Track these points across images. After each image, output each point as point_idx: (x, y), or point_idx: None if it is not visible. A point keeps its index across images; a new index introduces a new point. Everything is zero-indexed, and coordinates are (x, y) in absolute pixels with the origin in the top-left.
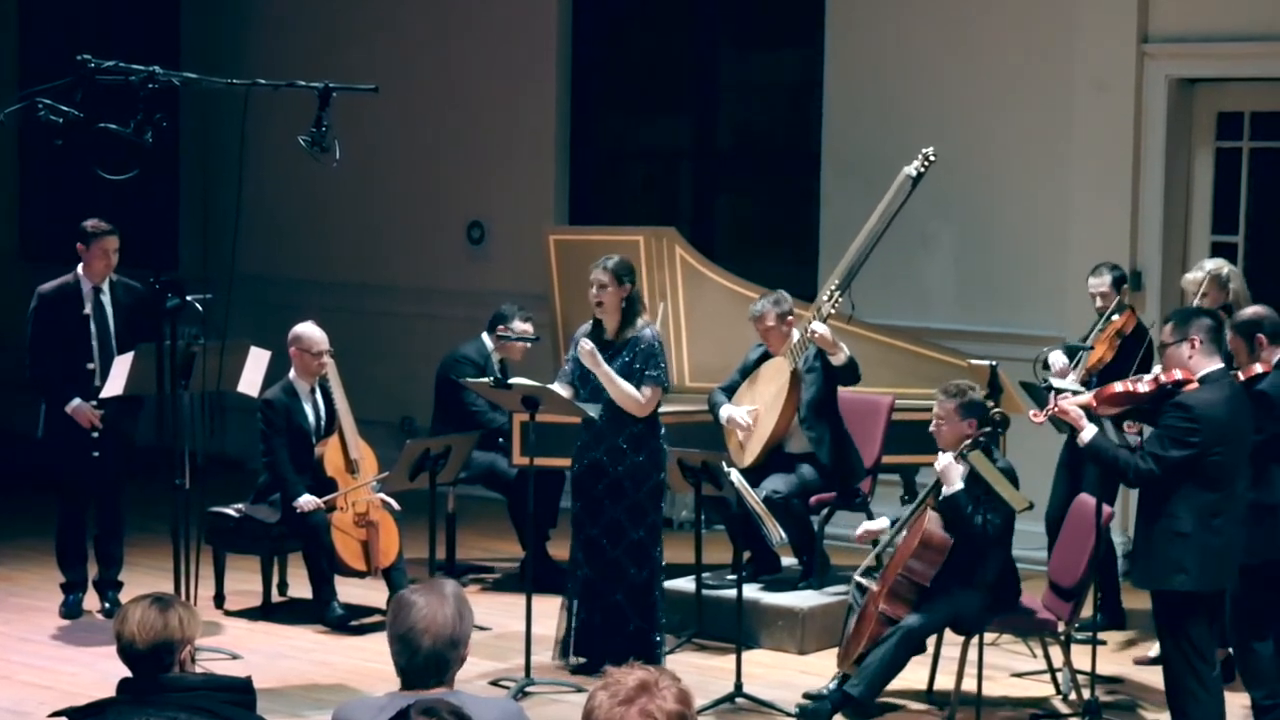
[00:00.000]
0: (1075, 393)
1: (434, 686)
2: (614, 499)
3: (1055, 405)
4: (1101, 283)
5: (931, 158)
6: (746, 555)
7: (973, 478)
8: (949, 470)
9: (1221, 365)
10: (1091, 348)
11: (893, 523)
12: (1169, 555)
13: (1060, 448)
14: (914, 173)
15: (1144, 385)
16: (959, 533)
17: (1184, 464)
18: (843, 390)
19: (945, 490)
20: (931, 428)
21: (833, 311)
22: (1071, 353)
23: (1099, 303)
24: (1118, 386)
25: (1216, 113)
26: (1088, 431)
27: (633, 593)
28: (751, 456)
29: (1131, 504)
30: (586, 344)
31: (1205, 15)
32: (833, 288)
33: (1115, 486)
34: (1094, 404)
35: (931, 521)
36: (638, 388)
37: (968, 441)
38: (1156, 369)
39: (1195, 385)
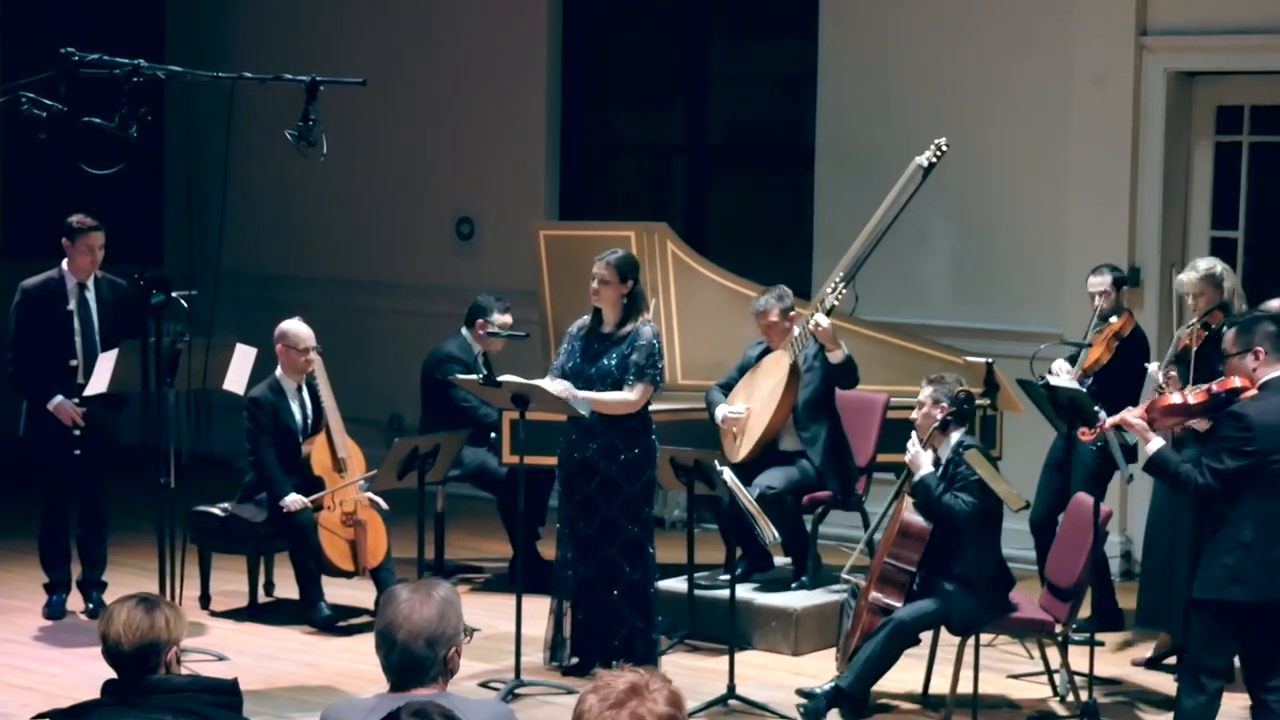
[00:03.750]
0: (1073, 391)
1: (414, 688)
2: (607, 497)
3: (1113, 420)
4: (1103, 282)
5: (944, 148)
6: (739, 553)
7: (951, 465)
8: (918, 457)
9: None
10: (1090, 344)
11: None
12: (1227, 564)
13: (1048, 448)
14: (925, 162)
15: (1195, 396)
16: (933, 516)
17: (1242, 474)
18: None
19: (915, 477)
20: (914, 415)
21: (836, 303)
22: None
23: (1098, 302)
24: (1174, 398)
25: (1216, 107)
26: (1155, 443)
27: (629, 591)
28: (746, 451)
29: (1129, 504)
30: (560, 384)
31: (1204, 8)
32: (837, 279)
33: (1105, 487)
34: (1146, 416)
35: (909, 509)
36: (632, 380)
37: (936, 425)
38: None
39: (1253, 392)
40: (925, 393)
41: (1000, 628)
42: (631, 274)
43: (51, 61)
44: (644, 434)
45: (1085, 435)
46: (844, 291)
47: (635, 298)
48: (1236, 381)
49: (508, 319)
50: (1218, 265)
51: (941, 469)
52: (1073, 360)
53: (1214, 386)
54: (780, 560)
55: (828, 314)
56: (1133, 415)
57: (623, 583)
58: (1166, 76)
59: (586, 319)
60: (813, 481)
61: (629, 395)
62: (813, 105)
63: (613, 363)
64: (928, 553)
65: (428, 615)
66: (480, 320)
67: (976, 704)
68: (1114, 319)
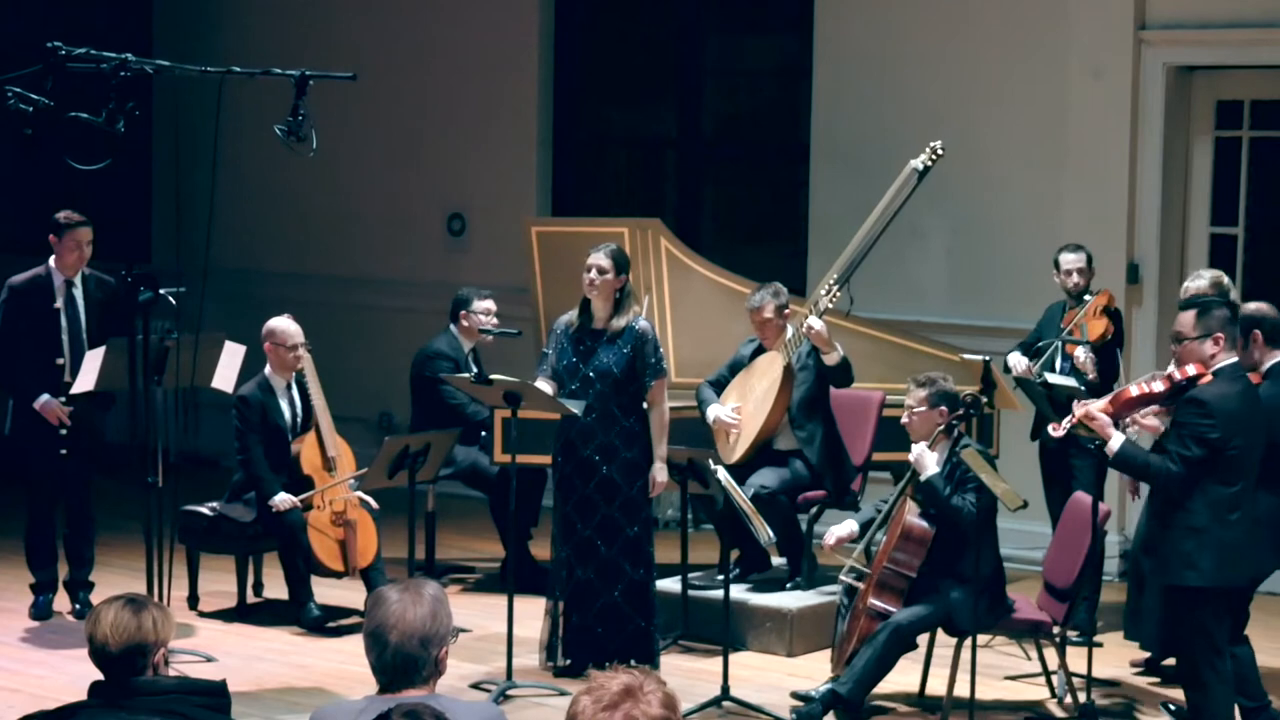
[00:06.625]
0: (1070, 388)
1: (404, 689)
2: (606, 497)
3: (1077, 414)
4: (1079, 259)
5: (939, 151)
6: (735, 554)
7: (953, 465)
8: (923, 457)
9: (1236, 359)
10: (1083, 340)
11: (867, 521)
12: (1183, 550)
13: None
14: (920, 166)
15: (1159, 384)
16: (940, 518)
17: (1203, 460)
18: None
19: (921, 477)
20: (904, 419)
21: (830, 306)
22: (1029, 350)
23: (1075, 279)
24: (1133, 390)
25: (1215, 101)
26: (1116, 440)
27: (631, 591)
28: (740, 452)
29: (1129, 503)
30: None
31: (1204, 1)
32: (831, 282)
33: (1103, 486)
34: (1110, 409)
35: (911, 512)
36: (647, 379)
37: (941, 427)
38: (1170, 367)
39: (1209, 378)
40: (917, 394)
41: (998, 629)
42: (626, 267)
43: (38, 56)
44: (643, 433)
45: (1056, 430)
46: (838, 294)
47: (626, 293)
48: (1192, 369)
49: (490, 304)
50: (1224, 277)
51: (948, 470)
52: (1027, 351)
53: (1175, 374)
54: (777, 560)
55: (821, 316)
56: (1096, 409)
57: (624, 583)
58: (1165, 71)
59: (573, 315)
60: (807, 481)
61: (662, 405)
62: (808, 99)
63: (610, 361)
64: (930, 556)
65: (421, 615)
66: (464, 312)
67: (973, 706)
68: (1088, 297)
